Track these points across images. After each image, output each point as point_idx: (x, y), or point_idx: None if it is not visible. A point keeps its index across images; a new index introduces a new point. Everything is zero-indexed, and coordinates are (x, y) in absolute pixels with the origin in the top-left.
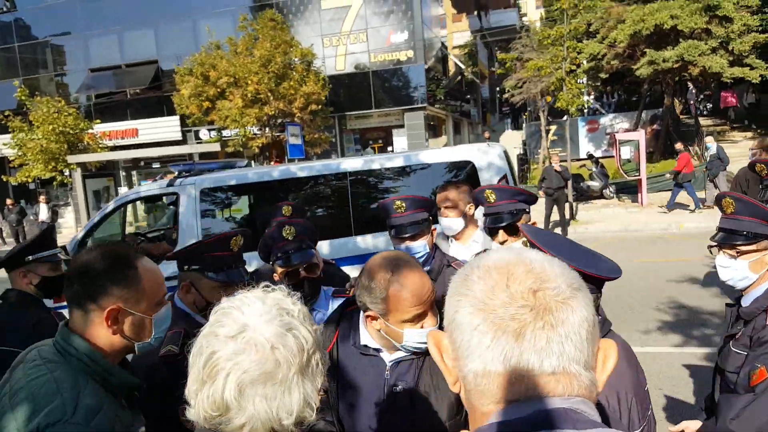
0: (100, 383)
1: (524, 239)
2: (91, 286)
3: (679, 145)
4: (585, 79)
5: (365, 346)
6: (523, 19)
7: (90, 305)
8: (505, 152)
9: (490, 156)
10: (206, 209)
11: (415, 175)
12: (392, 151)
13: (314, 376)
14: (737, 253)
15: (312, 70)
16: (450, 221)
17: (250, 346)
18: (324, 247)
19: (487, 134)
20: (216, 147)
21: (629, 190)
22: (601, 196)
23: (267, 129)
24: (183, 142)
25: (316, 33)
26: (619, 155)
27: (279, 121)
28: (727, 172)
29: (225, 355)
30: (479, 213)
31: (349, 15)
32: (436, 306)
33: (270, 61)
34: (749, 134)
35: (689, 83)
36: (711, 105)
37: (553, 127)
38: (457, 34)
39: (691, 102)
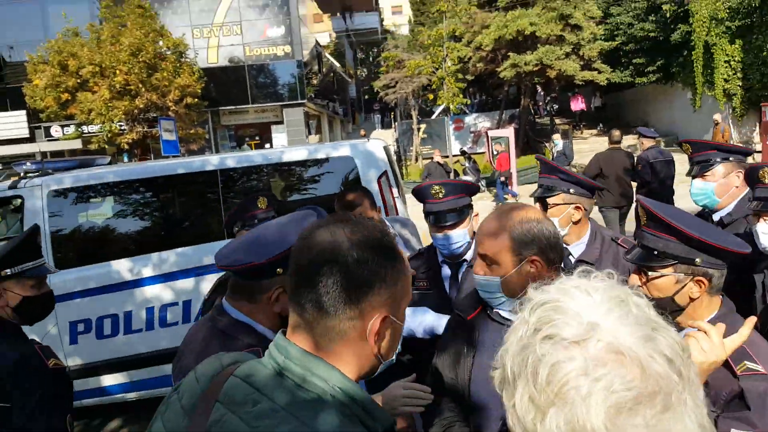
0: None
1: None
2: (353, 284)
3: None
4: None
5: (502, 315)
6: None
7: (346, 312)
8: (386, 148)
9: (371, 152)
10: (56, 213)
11: (294, 171)
12: (271, 147)
13: (697, 392)
14: None
15: (185, 62)
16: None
17: (612, 354)
18: (191, 253)
19: (363, 131)
20: (76, 144)
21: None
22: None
23: (136, 124)
24: (31, 139)
25: (185, 23)
26: (491, 151)
27: (151, 115)
28: (575, 166)
29: (577, 368)
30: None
31: (221, 6)
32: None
33: (140, 50)
34: (595, 131)
35: (538, 87)
36: (557, 106)
37: (423, 126)
38: (317, 34)
39: (540, 103)
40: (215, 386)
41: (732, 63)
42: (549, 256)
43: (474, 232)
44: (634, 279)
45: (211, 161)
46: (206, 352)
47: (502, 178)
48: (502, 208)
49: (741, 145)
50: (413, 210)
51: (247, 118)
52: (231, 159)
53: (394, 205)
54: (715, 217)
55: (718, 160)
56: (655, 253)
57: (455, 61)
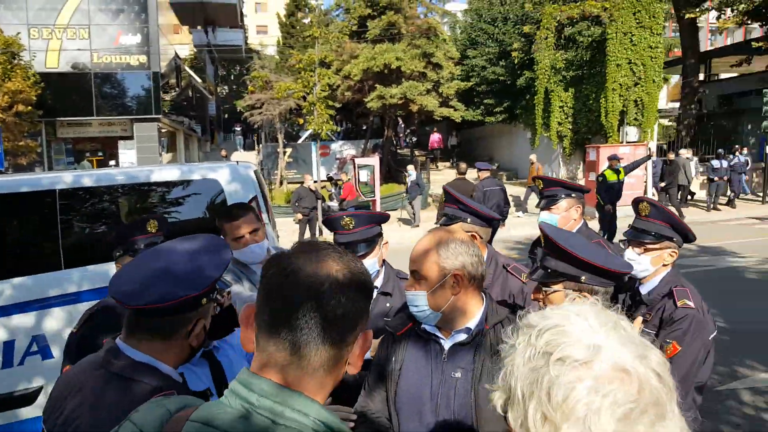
0: None
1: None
2: (338, 325)
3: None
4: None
5: (427, 331)
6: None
7: (327, 350)
8: (256, 172)
9: (240, 175)
10: None
11: (152, 193)
12: (116, 165)
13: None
14: (644, 249)
15: (18, 64)
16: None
17: (617, 372)
18: (20, 284)
19: (223, 152)
20: None
21: (365, 209)
22: None
23: None
24: None
25: (21, 21)
26: (357, 178)
27: None
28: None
29: (588, 387)
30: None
31: (66, 6)
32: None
33: None
34: (448, 164)
35: (399, 119)
36: (416, 139)
37: (289, 150)
38: (176, 46)
39: (400, 135)
40: None
41: (565, 108)
42: (471, 273)
43: (383, 260)
44: (535, 295)
45: (64, 179)
46: (102, 402)
47: (353, 206)
48: (434, 231)
49: (577, 183)
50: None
51: (90, 131)
52: (63, 177)
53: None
54: None
55: (563, 195)
56: (549, 271)
57: (325, 88)
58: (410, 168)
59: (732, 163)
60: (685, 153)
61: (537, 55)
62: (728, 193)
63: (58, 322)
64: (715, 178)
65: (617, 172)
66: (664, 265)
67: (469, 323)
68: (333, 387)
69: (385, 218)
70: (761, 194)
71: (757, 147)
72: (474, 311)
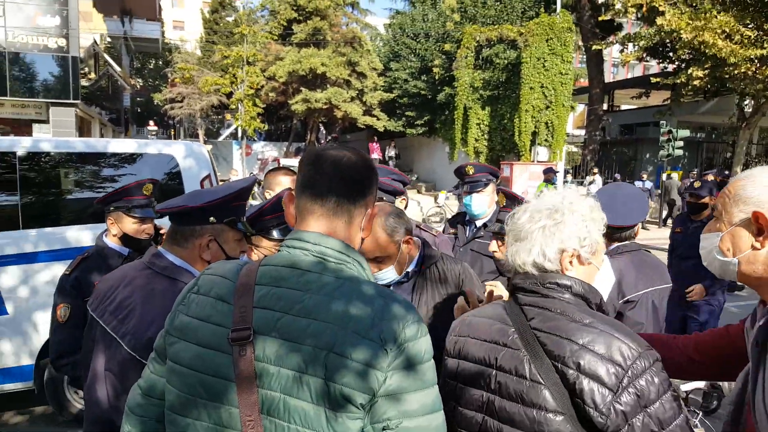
0: None
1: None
2: (360, 184)
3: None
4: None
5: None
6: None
7: (357, 203)
8: (209, 152)
9: (194, 152)
10: None
11: (110, 163)
12: None
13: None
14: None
15: None
16: None
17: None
18: None
19: None
20: None
21: None
22: None
23: None
24: None
25: None
26: None
27: None
28: None
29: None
30: None
31: None
32: None
33: None
34: None
35: (321, 125)
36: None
37: (209, 147)
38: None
39: (322, 141)
40: (247, 276)
41: (482, 126)
42: (408, 231)
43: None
44: (494, 245)
45: (23, 143)
46: (152, 291)
47: None
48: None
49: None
50: None
51: (1, 112)
52: (47, 143)
53: None
54: (478, 223)
55: (486, 180)
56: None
57: (253, 85)
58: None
59: (644, 189)
60: (591, 177)
61: (457, 73)
62: None
63: (13, 280)
64: None
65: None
66: None
67: (409, 267)
68: (358, 242)
69: (405, 182)
70: (657, 219)
71: (654, 174)
72: (413, 258)
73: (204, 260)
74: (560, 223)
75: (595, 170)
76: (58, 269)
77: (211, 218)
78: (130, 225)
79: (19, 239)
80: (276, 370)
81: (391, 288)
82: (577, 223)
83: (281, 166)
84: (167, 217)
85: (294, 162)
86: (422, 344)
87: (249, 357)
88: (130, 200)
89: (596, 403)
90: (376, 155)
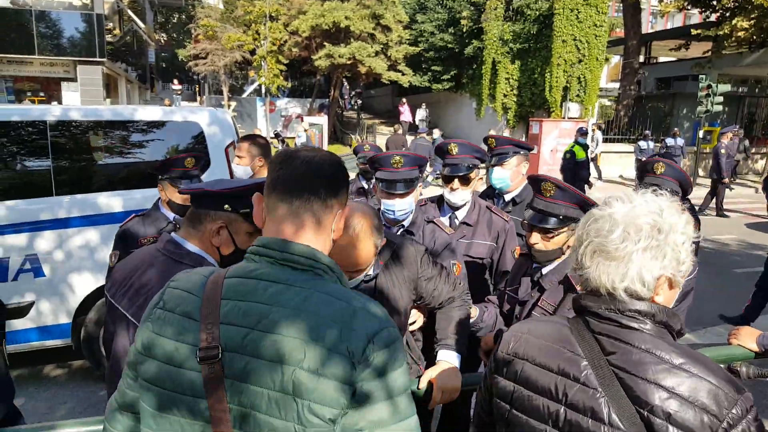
0: None
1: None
2: (333, 185)
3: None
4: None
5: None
6: None
7: (328, 202)
8: (233, 119)
9: (218, 119)
10: None
11: (135, 132)
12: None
13: None
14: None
15: None
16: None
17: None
18: (13, 207)
19: (167, 101)
20: None
21: None
22: None
23: None
24: None
25: None
26: (309, 137)
27: None
28: None
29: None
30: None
31: None
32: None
33: None
34: (392, 128)
35: (344, 80)
36: (360, 102)
37: (234, 103)
38: None
39: (345, 97)
40: (213, 290)
41: (511, 80)
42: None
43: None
44: (536, 237)
45: (53, 111)
46: (171, 277)
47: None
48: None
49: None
50: None
51: (31, 71)
52: (75, 111)
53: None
54: (507, 197)
55: (512, 153)
56: (561, 217)
57: (275, 42)
58: (300, 129)
59: (669, 146)
60: (592, 132)
61: (485, 25)
62: None
63: (49, 244)
64: (643, 159)
65: (585, 147)
66: (567, 248)
67: (370, 271)
68: (328, 246)
69: (425, 161)
70: (692, 178)
71: (690, 131)
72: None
73: (214, 246)
74: (662, 245)
75: (596, 125)
76: (91, 234)
77: (226, 206)
78: (174, 193)
79: (54, 205)
80: (245, 386)
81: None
82: (677, 244)
83: (251, 134)
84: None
85: (318, 120)
86: (393, 353)
87: (218, 375)
88: (173, 171)
89: None
90: (406, 117)
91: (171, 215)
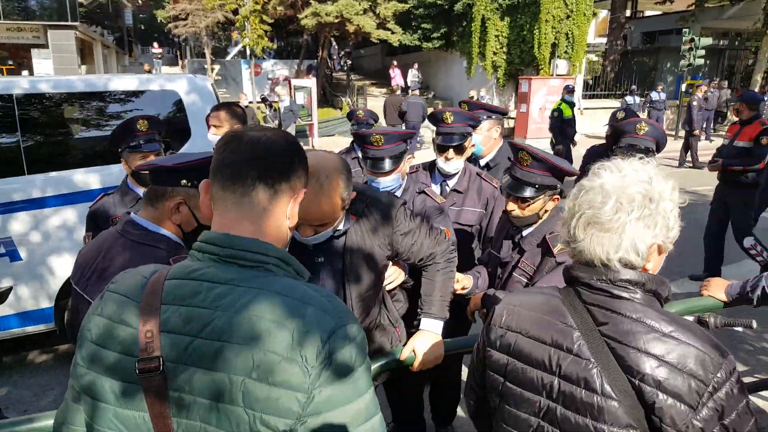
0: None
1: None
2: (279, 172)
3: None
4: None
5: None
6: None
7: (280, 189)
8: (213, 86)
9: (198, 87)
10: None
11: (110, 104)
12: (31, 75)
13: None
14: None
15: None
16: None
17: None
18: None
19: (146, 66)
20: None
21: (299, 133)
22: None
23: None
24: None
25: None
26: (294, 100)
27: None
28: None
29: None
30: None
31: None
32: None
33: None
34: (384, 90)
35: (332, 40)
36: (350, 62)
37: (217, 67)
38: None
39: (334, 58)
40: (152, 294)
41: (500, 38)
42: (354, 185)
43: (407, 173)
44: (512, 205)
45: (21, 84)
46: (130, 260)
47: None
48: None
49: (497, 106)
50: None
51: None
52: (18, 82)
53: None
54: (482, 162)
55: (484, 117)
56: (537, 186)
57: (259, 0)
58: (282, 91)
59: (654, 100)
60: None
61: None
62: None
63: (24, 226)
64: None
65: (572, 105)
66: (545, 212)
67: (340, 225)
68: (282, 235)
69: (410, 135)
70: (674, 131)
71: (674, 85)
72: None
73: (175, 224)
74: (654, 214)
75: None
76: (68, 213)
77: (183, 180)
78: (137, 161)
79: (26, 185)
80: (192, 399)
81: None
82: (667, 212)
83: (227, 102)
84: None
85: (305, 83)
86: (351, 353)
87: (159, 388)
88: (128, 139)
89: (675, 421)
90: (398, 81)
91: (140, 191)
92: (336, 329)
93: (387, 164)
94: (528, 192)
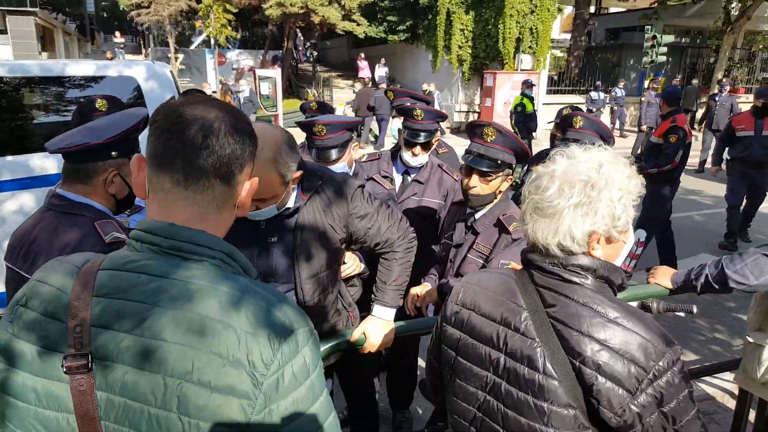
0: None
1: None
2: (226, 157)
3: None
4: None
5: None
6: None
7: (233, 179)
8: (172, 73)
9: (157, 73)
10: None
11: (66, 89)
12: None
13: None
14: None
15: None
16: None
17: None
18: None
19: (109, 54)
20: None
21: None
22: None
23: None
24: None
25: None
26: (259, 91)
27: None
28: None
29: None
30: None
31: None
32: None
33: None
34: (350, 82)
35: (298, 31)
36: (316, 53)
37: (181, 56)
38: None
39: (300, 49)
40: (83, 285)
41: (465, 32)
42: (301, 164)
43: (354, 162)
44: (475, 180)
45: None
46: (54, 231)
47: None
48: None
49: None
50: None
51: None
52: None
53: None
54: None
55: (408, 105)
56: (499, 162)
57: None
58: (242, 82)
59: (617, 96)
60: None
61: None
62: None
63: None
64: (593, 110)
65: (531, 99)
66: (499, 193)
67: (290, 203)
68: (227, 227)
69: (356, 124)
70: (636, 127)
71: (637, 81)
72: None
73: (109, 194)
74: (594, 201)
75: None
76: (25, 198)
77: (113, 153)
78: None
79: None
80: (122, 401)
81: (272, 222)
82: (612, 200)
83: (188, 90)
84: (64, 158)
85: (270, 73)
86: (306, 358)
87: (88, 388)
88: (88, 120)
89: (612, 404)
90: (365, 73)
91: None
92: (290, 333)
93: (332, 153)
94: (492, 166)
